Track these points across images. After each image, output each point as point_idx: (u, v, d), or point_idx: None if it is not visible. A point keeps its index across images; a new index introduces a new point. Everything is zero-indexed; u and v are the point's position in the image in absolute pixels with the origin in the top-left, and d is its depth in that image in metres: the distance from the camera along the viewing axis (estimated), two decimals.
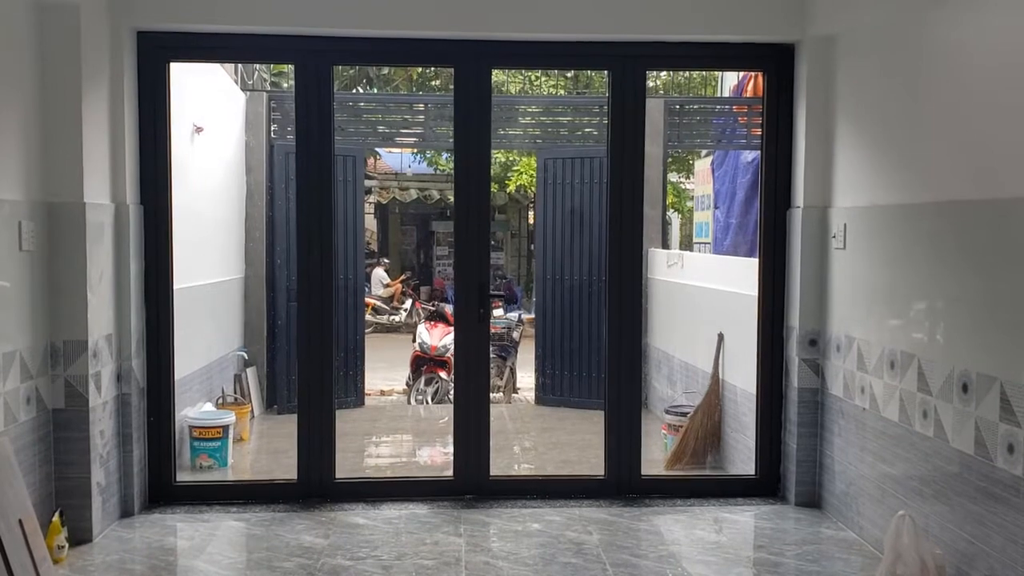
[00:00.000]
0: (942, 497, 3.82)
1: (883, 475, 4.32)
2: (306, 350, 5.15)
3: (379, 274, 17.30)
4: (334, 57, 5.10)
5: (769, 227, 5.19)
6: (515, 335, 10.22)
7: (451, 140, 5.53)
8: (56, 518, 4.19)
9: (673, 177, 15.23)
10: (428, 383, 9.43)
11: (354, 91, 15.16)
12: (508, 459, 7.08)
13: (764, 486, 5.25)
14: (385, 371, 11.02)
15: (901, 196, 4.21)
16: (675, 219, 16.60)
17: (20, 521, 3.74)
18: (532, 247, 17.78)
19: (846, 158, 4.77)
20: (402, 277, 18.07)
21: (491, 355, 5.56)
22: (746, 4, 4.90)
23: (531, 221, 19.37)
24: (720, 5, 4.90)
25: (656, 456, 6.67)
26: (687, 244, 15.09)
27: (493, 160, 5.38)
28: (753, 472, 5.35)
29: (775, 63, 5.12)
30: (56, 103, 4.32)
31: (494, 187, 14.62)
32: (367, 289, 15.46)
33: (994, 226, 3.49)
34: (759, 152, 5.38)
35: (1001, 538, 3.43)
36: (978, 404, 3.56)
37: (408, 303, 16.79)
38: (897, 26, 4.24)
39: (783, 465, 5.20)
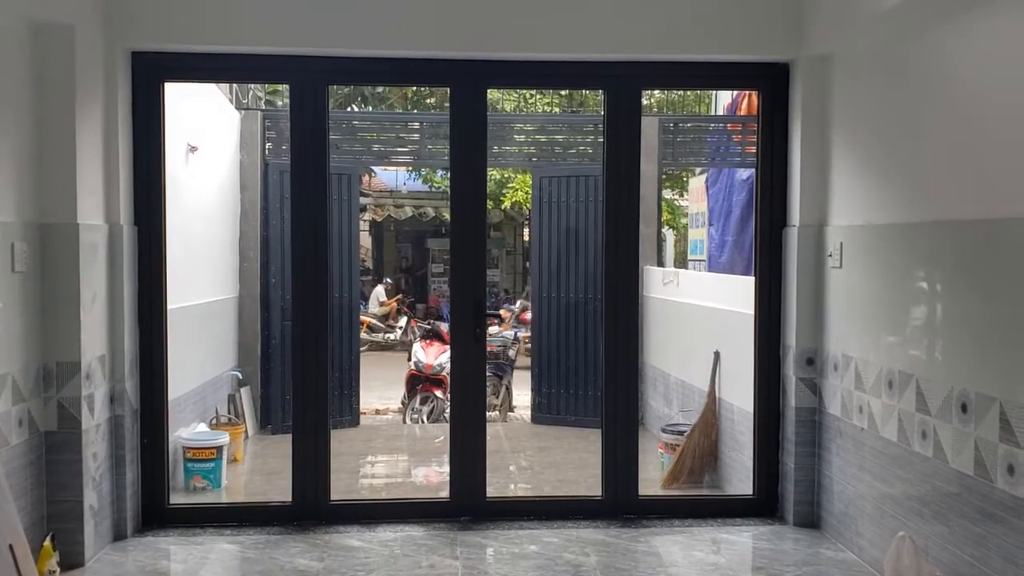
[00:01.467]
0: (942, 518, 3.80)
1: (882, 495, 4.30)
2: (301, 369, 5.12)
3: (379, 292, 17.26)
4: (329, 77, 5.10)
5: (765, 245, 5.18)
6: (511, 353, 10.20)
7: (446, 158, 5.53)
8: (48, 542, 4.14)
9: (667, 194, 15.26)
10: (424, 402, 9.39)
11: (349, 109, 15.17)
12: (504, 479, 7.04)
13: (762, 506, 5.22)
14: (380, 390, 10.97)
15: (897, 215, 4.20)
16: (670, 236, 16.62)
17: (11, 546, 3.70)
18: (527, 264, 17.77)
19: (842, 177, 4.77)
20: (398, 296, 18.05)
21: (487, 373, 5.53)
22: (741, 23, 4.91)
23: (526, 238, 19.39)
24: (715, 24, 4.90)
25: (652, 475, 6.63)
26: (681, 261, 15.10)
27: (488, 178, 5.38)
28: (751, 492, 5.31)
29: (770, 82, 5.12)
30: (50, 123, 4.30)
31: (489, 204, 14.62)
32: (363, 306, 15.41)
33: (991, 245, 3.48)
34: (754, 170, 5.38)
35: (1001, 559, 3.40)
36: (977, 424, 3.54)
37: (403, 321, 16.76)
38: (893, 46, 4.25)
39: (781, 485, 5.18)
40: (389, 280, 18.83)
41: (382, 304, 17.07)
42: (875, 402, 4.36)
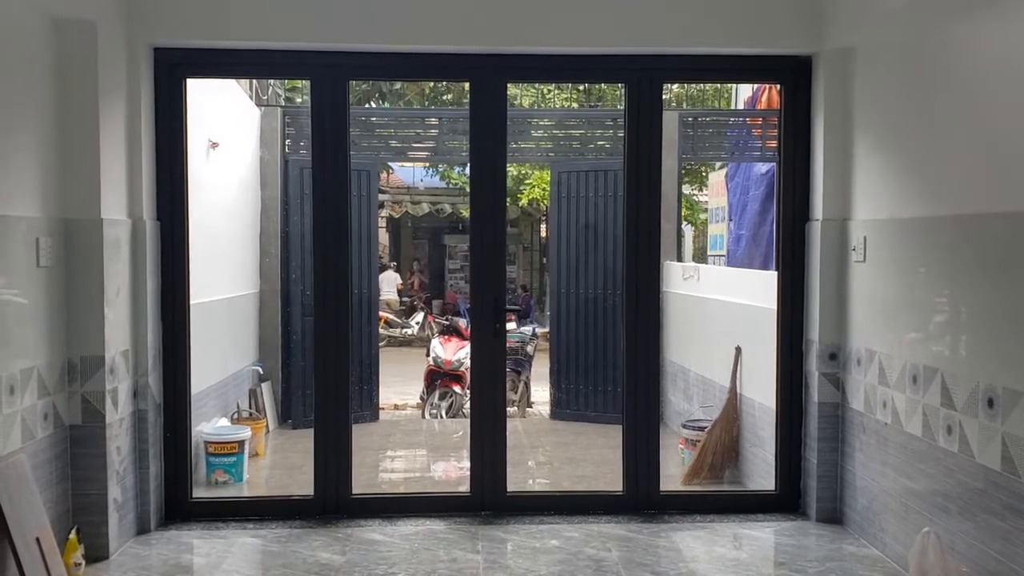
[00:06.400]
0: (967, 514, 3.76)
1: (906, 491, 4.27)
2: (322, 364, 5.13)
3: (391, 276, 17.33)
4: (350, 72, 5.11)
5: (787, 240, 5.15)
6: (529, 349, 10.18)
7: (463, 154, 5.53)
8: (73, 535, 4.17)
9: (685, 189, 15.20)
10: (442, 397, 9.39)
11: (367, 105, 15.20)
12: (523, 474, 7.03)
13: (784, 502, 5.20)
14: (398, 385, 10.99)
15: (922, 209, 4.17)
16: (688, 231, 16.56)
17: (37, 539, 3.74)
18: (545, 260, 17.75)
19: (865, 170, 4.74)
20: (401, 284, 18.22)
21: (505, 369, 5.53)
22: (763, 17, 4.88)
23: (543, 234, 19.37)
24: (737, 18, 4.87)
25: (673, 471, 6.61)
26: (701, 257, 15.05)
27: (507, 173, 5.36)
28: (773, 487, 5.29)
29: (792, 75, 5.09)
30: (73, 119, 4.33)
31: (506, 200, 14.61)
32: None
33: (1017, 238, 3.44)
34: (773, 164, 5.35)
35: None
36: (1004, 420, 3.50)
37: (420, 316, 16.78)
38: (916, 38, 4.21)
39: (803, 480, 5.15)
40: (395, 262, 18.92)
41: (401, 287, 17.22)
42: (899, 397, 4.32)
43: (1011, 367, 3.48)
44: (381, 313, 14.19)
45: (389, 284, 17.12)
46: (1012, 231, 3.47)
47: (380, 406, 9.29)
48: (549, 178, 10.02)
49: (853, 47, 4.79)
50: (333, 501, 5.09)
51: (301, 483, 6.07)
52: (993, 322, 3.61)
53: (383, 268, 17.04)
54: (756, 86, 8.81)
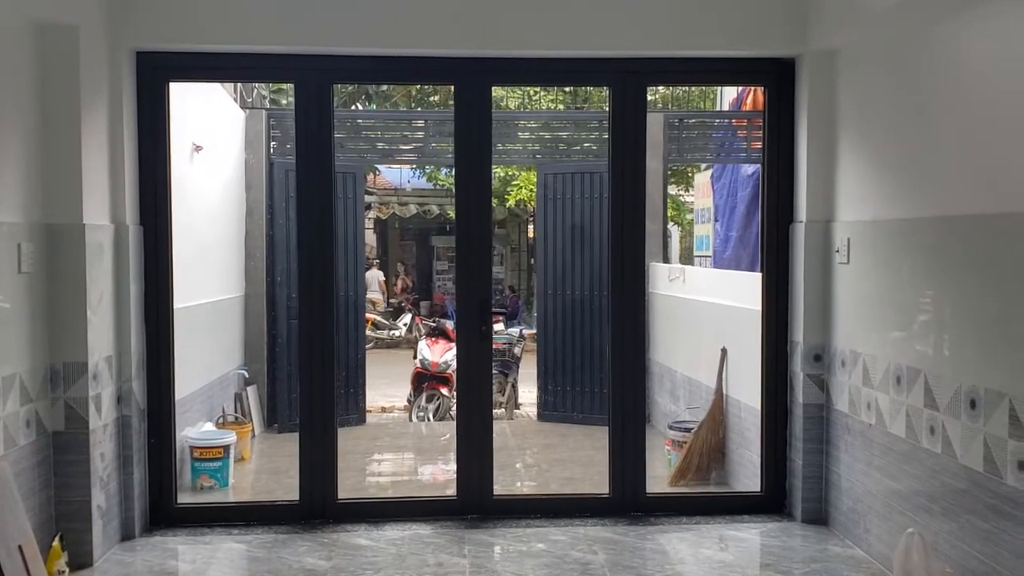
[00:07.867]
0: (951, 514, 3.78)
1: (890, 492, 4.29)
2: (308, 368, 5.11)
3: (376, 275, 17.33)
4: (334, 75, 5.09)
5: (772, 241, 5.17)
6: (516, 350, 10.19)
7: (450, 155, 5.53)
8: (56, 542, 4.14)
9: (672, 190, 15.23)
10: (429, 400, 9.39)
11: (353, 108, 15.17)
12: (511, 476, 7.04)
13: (770, 503, 5.21)
14: (385, 387, 10.98)
15: (905, 210, 4.19)
16: (675, 232, 16.60)
17: (20, 547, 3.72)
18: (532, 261, 17.76)
19: (849, 172, 4.76)
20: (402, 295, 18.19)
21: (492, 371, 5.53)
22: (746, 20, 4.89)
23: (530, 235, 19.38)
24: (720, 20, 4.88)
25: (659, 472, 6.62)
26: (687, 257, 15.09)
27: (493, 175, 5.37)
28: (758, 489, 5.30)
29: (776, 78, 5.10)
30: (55, 124, 4.30)
31: (493, 202, 14.60)
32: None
33: (1002, 240, 3.47)
34: (759, 165, 5.36)
35: (1012, 556, 3.39)
36: (987, 420, 3.52)
37: (408, 318, 16.77)
38: (900, 40, 4.23)
39: (789, 481, 5.16)
40: (377, 260, 18.97)
41: (388, 282, 17.24)
42: (883, 398, 4.34)
43: (993, 368, 3.50)
44: (368, 315, 14.18)
45: (372, 283, 17.14)
46: (996, 233, 3.49)
47: (367, 409, 9.28)
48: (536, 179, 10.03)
49: (837, 49, 4.81)
50: (319, 506, 5.07)
51: (287, 487, 6.05)
52: (976, 323, 3.63)
53: (367, 267, 17.08)
54: (742, 88, 8.84)
